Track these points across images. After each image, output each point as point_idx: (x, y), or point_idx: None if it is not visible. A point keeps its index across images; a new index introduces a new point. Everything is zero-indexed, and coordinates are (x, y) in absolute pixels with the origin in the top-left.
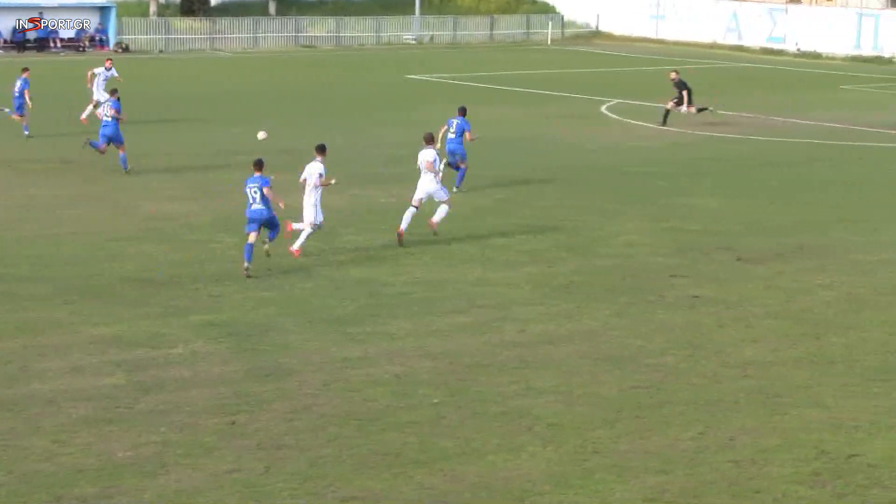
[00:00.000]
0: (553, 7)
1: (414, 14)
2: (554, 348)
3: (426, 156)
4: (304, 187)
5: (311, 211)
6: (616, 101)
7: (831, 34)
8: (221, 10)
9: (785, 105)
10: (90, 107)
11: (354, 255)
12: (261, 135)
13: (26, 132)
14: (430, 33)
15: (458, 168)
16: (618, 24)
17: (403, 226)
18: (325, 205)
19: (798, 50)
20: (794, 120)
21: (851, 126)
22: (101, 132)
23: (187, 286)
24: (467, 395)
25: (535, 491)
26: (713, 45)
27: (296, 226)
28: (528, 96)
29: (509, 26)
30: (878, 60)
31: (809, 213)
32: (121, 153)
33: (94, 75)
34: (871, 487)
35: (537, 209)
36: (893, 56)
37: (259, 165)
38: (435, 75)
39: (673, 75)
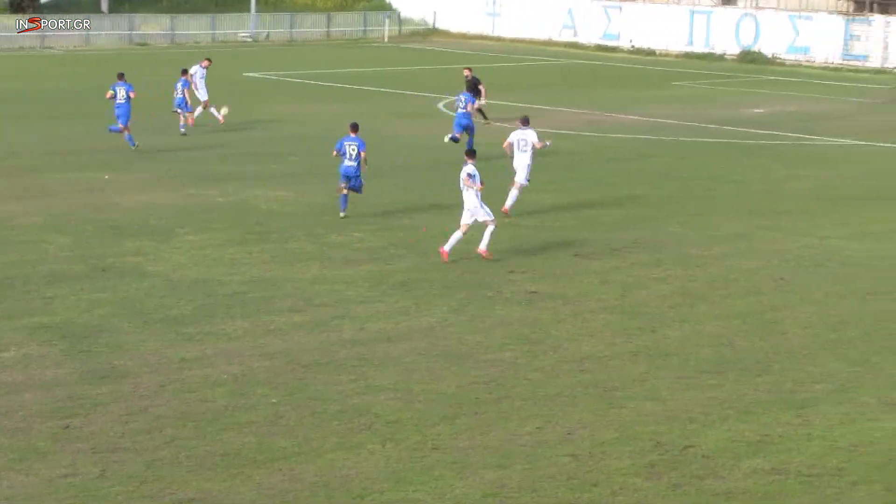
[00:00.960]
0: (389, 4)
1: (250, 11)
2: (392, 346)
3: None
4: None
5: (469, 213)
6: (453, 98)
7: (665, 31)
8: (52, 7)
9: (619, 101)
10: (200, 108)
11: (190, 254)
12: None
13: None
14: (267, 31)
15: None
16: (454, 21)
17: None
18: (161, 204)
19: (632, 47)
20: (628, 116)
21: (683, 122)
22: (116, 113)
23: (18, 288)
24: (306, 394)
25: (375, 489)
26: (549, 42)
27: (447, 246)
28: (365, 93)
29: (346, 24)
30: (709, 57)
31: (643, 207)
32: (126, 133)
33: (191, 76)
34: (706, 478)
35: (374, 206)
36: (725, 53)
37: (355, 128)
38: (272, 73)
39: (466, 73)
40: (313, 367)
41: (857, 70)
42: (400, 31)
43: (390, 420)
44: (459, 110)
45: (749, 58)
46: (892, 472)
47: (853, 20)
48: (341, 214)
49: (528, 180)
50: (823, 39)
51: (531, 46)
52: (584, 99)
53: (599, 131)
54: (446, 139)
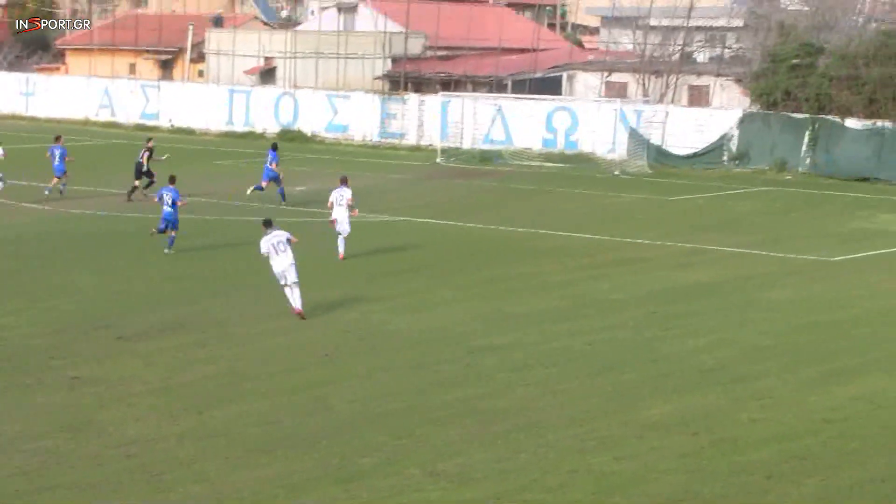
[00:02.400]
0: None
1: None
2: None
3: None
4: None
5: (281, 274)
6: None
7: (204, 110)
8: None
9: (159, 181)
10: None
11: None
12: None
13: (63, 189)
14: None
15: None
16: None
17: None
18: None
19: (172, 126)
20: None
21: (223, 200)
22: None
23: None
24: None
25: None
26: (87, 122)
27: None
28: None
29: None
30: (250, 136)
31: (185, 287)
32: None
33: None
34: None
35: None
36: (265, 131)
37: (172, 180)
38: None
39: (150, 144)
40: None
41: (394, 147)
42: None
43: None
44: (267, 165)
45: (289, 136)
46: None
47: (389, 99)
48: (154, 230)
49: (349, 230)
50: (361, 118)
51: (69, 126)
52: (122, 180)
53: (141, 211)
54: (249, 191)
